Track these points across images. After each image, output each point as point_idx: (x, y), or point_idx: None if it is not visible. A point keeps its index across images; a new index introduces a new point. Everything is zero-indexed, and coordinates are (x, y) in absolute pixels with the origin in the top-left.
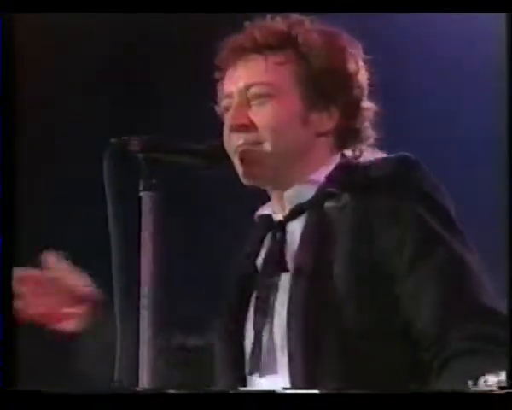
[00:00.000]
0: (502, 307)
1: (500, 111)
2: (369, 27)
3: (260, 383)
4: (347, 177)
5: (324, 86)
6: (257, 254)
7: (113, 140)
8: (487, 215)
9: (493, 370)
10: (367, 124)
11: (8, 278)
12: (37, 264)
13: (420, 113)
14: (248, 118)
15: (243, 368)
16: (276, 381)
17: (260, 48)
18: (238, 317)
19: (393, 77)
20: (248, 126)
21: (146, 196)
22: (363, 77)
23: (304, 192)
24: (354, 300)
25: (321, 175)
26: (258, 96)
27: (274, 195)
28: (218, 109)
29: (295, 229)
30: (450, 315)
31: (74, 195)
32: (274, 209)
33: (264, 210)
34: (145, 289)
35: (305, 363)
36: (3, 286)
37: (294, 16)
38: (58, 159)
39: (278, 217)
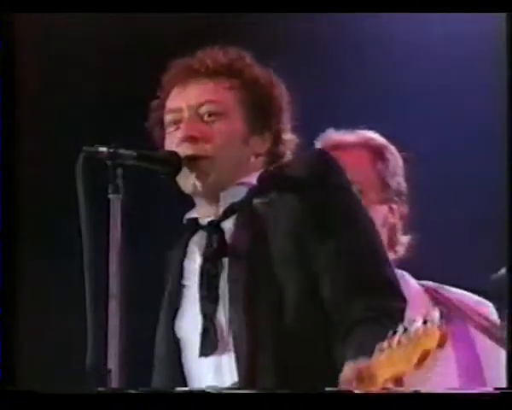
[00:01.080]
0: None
1: (500, 112)
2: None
3: (206, 363)
4: (275, 176)
5: (262, 113)
6: (183, 254)
7: (84, 148)
8: (488, 217)
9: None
10: (289, 153)
11: (9, 278)
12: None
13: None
14: (200, 132)
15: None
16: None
17: (211, 73)
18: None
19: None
20: (198, 139)
21: (114, 199)
22: (286, 115)
23: (237, 193)
24: (280, 286)
25: (252, 178)
26: (210, 113)
27: (207, 200)
28: (148, 125)
29: (229, 226)
30: (355, 288)
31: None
32: (204, 213)
33: (192, 214)
34: (113, 282)
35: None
36: (4, 286)
37: (235, 51)
38: (57, 159)
39: (207, 219)
